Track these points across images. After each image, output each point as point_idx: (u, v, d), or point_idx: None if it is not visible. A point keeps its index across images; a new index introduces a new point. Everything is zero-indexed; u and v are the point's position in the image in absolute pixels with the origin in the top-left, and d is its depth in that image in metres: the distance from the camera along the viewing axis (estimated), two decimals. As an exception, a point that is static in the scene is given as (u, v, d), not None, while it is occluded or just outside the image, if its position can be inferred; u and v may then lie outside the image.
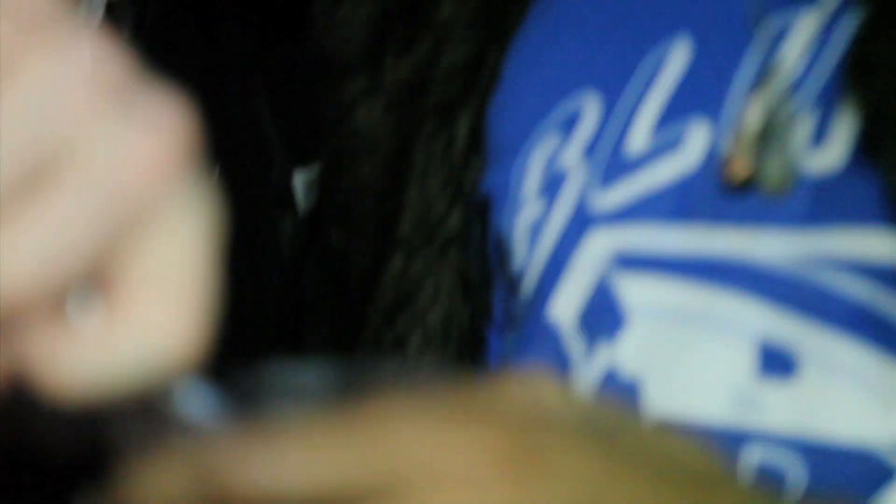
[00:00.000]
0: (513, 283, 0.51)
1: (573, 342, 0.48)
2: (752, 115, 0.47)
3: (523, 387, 0.32)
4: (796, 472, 0.43)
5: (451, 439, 0.29)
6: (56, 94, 0.26)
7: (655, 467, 0.32)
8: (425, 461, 0.29)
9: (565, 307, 0.48)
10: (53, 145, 0.26)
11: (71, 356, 0.27)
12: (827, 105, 0.46)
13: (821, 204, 0.46)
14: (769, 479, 0.43)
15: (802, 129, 0.46)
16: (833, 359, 0.44)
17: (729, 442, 0.44)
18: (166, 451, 0.29)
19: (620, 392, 0.46)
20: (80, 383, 0.27)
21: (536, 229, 0.50)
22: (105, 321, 0.27)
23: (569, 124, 0.51)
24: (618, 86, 0.51)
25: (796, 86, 0.47)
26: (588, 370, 0.47)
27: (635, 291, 0.48)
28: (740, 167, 0.46)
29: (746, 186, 0.46)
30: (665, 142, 0.49)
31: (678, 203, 0.48)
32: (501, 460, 0.29)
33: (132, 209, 0.27)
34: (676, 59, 0.50)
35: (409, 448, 0.29)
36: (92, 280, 0.27)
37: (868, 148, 0.45)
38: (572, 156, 0.50)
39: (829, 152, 0.46)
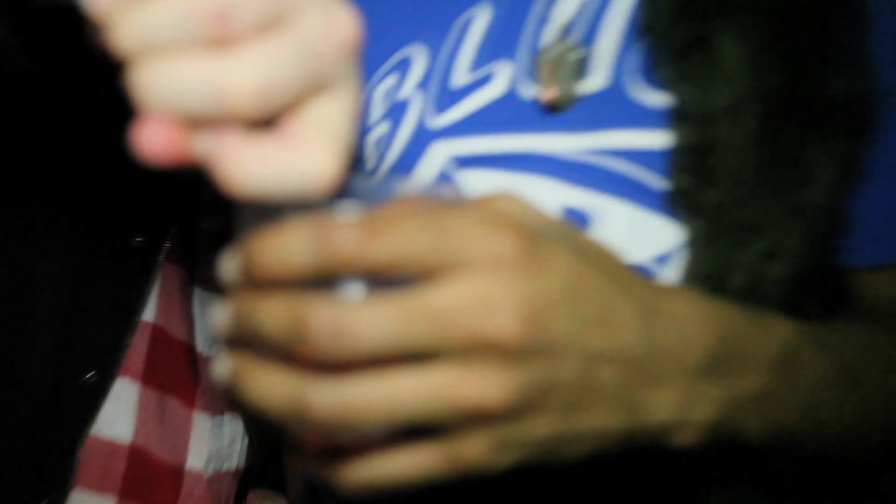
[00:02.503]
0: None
1: None
2: (546, 55, 0.53)
3: (503, 201, 0.37)
4: None
5: (486, 237, 0.35)
6: None
7: (600, 263, 0.37)
8: (471, 251, 0.34)
9: None
10: (288, 5, 0.31)
11: (247, 164, 0.32)
12: (589, 42, 0.54)
13: (593, 115, 0.53)
14: None
15: (575, 62, 0.53)
16: (610, 214, 0.52)
17: None
18: (293, 224, 0.34)
19: None
20: (245, 184, 0.32)
21: (386, 143, 0.57)
22: (276, 148, 0.32)
23: (403, 67, 0.58)
24: (439, 39, 0.57)
25: (569, 30, 0.54)
26: None
27: (468, 181, 0.55)
28: (549, 93, 0.53)
29: (552, 105, 0.53)
30: (479, 78, 0.56)
31: (492, 119, 0.55)
32: (517, 255, 0.35)
33: (322, 69, 0.32)
34: (481, 18, 0.57)
35: (462, 239, 0.34)
36: (274, 115, 0.32)
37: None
38: (409, 89, 0.57)
39: (595, 78, 0.53)
